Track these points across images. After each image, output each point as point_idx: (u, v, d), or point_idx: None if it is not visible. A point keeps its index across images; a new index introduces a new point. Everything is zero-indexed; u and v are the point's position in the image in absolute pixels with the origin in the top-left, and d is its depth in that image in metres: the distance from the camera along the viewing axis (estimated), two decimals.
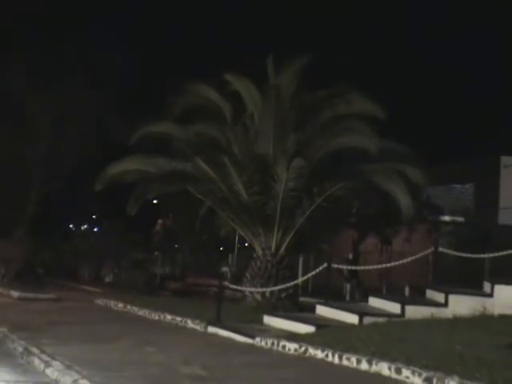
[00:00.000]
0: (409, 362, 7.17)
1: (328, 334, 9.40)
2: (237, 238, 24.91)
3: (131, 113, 20.44)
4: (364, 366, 7.61)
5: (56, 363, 7.74)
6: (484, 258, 13.53)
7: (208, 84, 15.55)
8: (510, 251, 11.24)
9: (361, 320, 10.50)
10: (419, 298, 12.28)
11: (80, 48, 24.75)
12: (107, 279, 27.24)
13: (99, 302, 16.77)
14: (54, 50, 24.55)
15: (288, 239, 14.96)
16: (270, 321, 11.53)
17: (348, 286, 18.21)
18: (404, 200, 13.71)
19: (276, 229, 14.81)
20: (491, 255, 12.27)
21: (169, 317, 12.92)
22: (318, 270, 13.14)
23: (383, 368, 7.33)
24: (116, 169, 15.54)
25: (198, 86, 15.53)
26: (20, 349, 9.11)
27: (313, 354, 8.52)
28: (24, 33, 25.28)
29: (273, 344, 9.36)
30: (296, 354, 8.79)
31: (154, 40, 34.11)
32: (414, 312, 10.60)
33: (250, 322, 11.49)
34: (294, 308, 14.00)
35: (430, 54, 39.84)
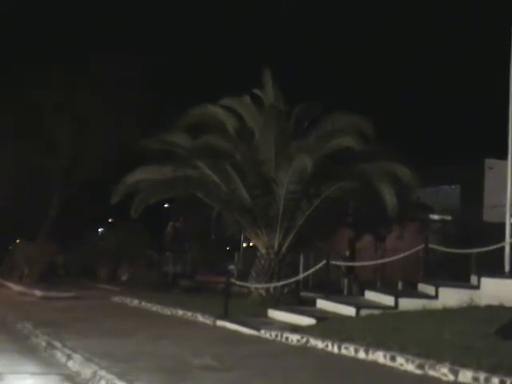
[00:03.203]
0: (403, 351, 7.15)
1: (327, 326, 9.39)
2: (242, 237, 24.91)
3: (146, 125, 20.49)
4: (361, 354, 7.60)
5: (77, 356, 7.76)
6: (471, 254, 13.50)
7: (213, 102, 15.66)
8: (494, 246, 11.23)
9: (358, 312, 10.49)
10: (411, 291, 12.26)
11: (100, 63, 24.68)
12: (123, 278, 27.23)
13: (116, 299, 16.78)
14: (75, 63, 24.53)
15: (289, 239, 14.95)
16: (274, 314, 11.53)
17: (345, 281, 18.18)
18: (390, 199, 13.69)
19: (278, 229, 14.81)
20: (477, 250, 12.25)
21: (180, 312, 12.92)
22: (317, 267, 13.13)
23: (379, 356, 7.32)
24: (130, 179, 15.60)
25: (205, 106, 15.66)
26: (43, 343, 9.13)
27: (314, 344, 8.51)
28: (47, 46, 25.06)
29: (277, 336, 9.35)
30: (298, 344, 8.79)
31: (167, 55, 33.45)
32: (407, 304, 10.57)
33: (255, 316, 11.48)
34: (296, 302, 13.97)
35: (417, 54, 38.30)
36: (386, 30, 35.71)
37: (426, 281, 11.72)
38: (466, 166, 22.81)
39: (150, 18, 37.72)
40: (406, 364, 6.89)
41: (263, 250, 15.12)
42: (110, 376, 6.56)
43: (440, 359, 6.59)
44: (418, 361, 6.75)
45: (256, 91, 15.46)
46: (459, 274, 12.55)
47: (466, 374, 6.16)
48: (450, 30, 34.84)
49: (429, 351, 6.93)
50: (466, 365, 6.30)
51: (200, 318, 12.04)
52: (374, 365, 7.25)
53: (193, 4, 39.67)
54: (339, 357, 7.84)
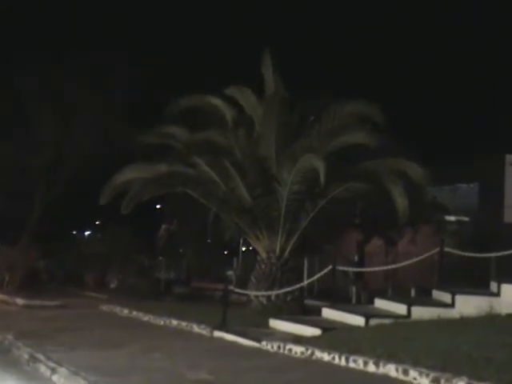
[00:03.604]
0: (416, 363, 7.16)
1: (334, 337, 9.39)
2: (241, 241, 24.91)
3: (137, 120, 20.49)
4: (371, 367, 7.60)
5: (62, 370, 7.76)
6: (490, 258, 13.49)
7: (211, 93, 15.63)
8: None
9: (367, 322, 10.49)
10: (425, 299, 12.26)
11: (85, 57, 24.77)
12: (112, 285, 27.19)
13: (104, 308, 16.77)
14: (59, 59, 24.61)
15: (292, 242, 14.95)
16: (276, 324, 11.53)
17: (353, 288, 18.19)
18: (401, 202, 13.64)
19: (280, 232, 14.81)
20: (497, 254, 12.24)
21: (174, 322, 12.93)
22: (323, 273, 13.14)
23: (390, 369, 7.32)
24: (120, 178, 15.59)
25: (202, 96, 15.63)
26: (26, 356, 9.12)
27: (319, 356, 8.51)
28: (29, 42, 25.24)
29: (279, 347, 9.35)
30: (302, 357, 8.78)
31: (158, 49, 33.98)
32: (421, 313, 10.58)
33: (255, 326, 11.49)
34: (300, 311, 13.98)
35: (433, 48, 39.39)
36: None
37: (442, 287, 11.72)
38: (485, 162, 22.78)
39: (150, 17, 38.54)
40: (419, 378, 6.89)
41: (264, 255, 15.12)
42: None
43: (457, 372, 6.59)
44: (432, 374, 6.74)
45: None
46: (477, 280, 12.54)
47: None
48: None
49: (445, 364, 6.93)
50: (484, 379, 6.29)
51: (196, 328, 12.04)
52: (385, 379, 7.25)
53: (193, 4, 40.45)
54: (347, 370, 7.84)
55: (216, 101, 15.57)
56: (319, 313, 12.05)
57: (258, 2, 39.79)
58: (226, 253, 32.17)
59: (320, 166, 13.14)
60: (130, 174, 15.73)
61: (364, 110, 14.29)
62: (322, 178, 13.06)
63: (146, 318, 14.18)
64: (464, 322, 9.62)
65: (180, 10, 41.83)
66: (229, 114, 15.53)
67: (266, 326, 11.58)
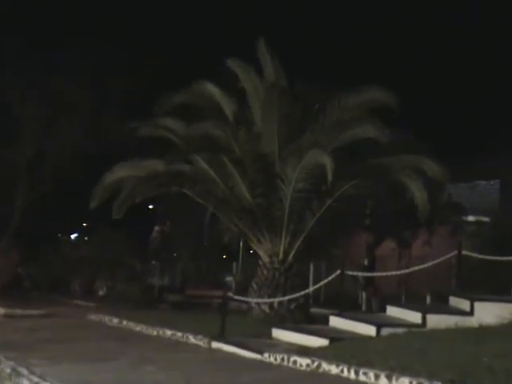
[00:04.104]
0: (432, 377, 7.15)
1: (343, 348, 9.40)
2: (241, 244, 24.91)
3: (128, 113, 20.52)
4: (383, 381, 7.60)
5: None
6: None
7: (207, 79, 15.60)
8: None
9: (378, 331, 10.50)
10: (442, 306, 12.26)
11: (73, 45, 24.90)
12: (101, 292, 27.23)
13: (92, 317, 16.79)
14: (45, 47, 24.75)
15: (297, 244, 14.96)
16: (279, 334, 11.54)
17: (364, 295, 18.18)
18: (420, 195, 13.67)
19: (283, 233, 14.81)
20: None
21: (168, 332, 12.93)
22: (330, 278, 13.14)
23: (404, 383, 7.32)
24: (110, 177, 15.57)
25: (197, 82, 15.58)
26: (8, 370, 9.13)
27: (326, 369, 8.52)
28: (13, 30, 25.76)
29: (283, 359, 9.36)
30: (308, 369, 8.79)
31: (150, 38, 34.79)
32: (437, 321, 10.58)
33: (257, 336, 11.51)
34: (305, 319, 13.99)
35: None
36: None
37: (459, 294, 11.72)
38: (506, 158, 22.77)
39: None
40: None
41: (266, 259, 15.13)
42: None
43: None
44: None
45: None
46: (498, 286, 12.54)
47: None
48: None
49: (463, 377, 6.93)
50: None
51: (192, 339, 12.05)
52: None
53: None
54: None
55: (213, 89, 15.52)
56: (326, 322, 12.06)
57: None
58: (224, 257, 32.19)
59: (327, 161, 13.11)
60: (121, 172, 15.71)
61: (376, 96, 14.22)
62: (330, 175, 13.04)
63: (138, 327, 14.18)
64: (484, 331, 9.62)
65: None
66: (227, 105, 15.49)
67: (269, 336, 11.59)
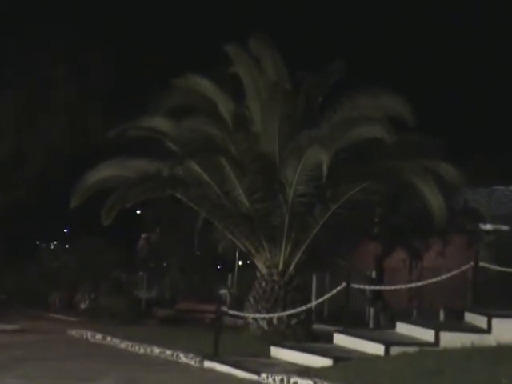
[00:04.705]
0: None
1: (348, 368, 9.40)
2: (237, 254, 24.92)
3: (114, 111, 20.58)
4: None
5: None
6: None
7: (201, 73, 15.63)
8: None
9: (387, 350, 10.50)
10: (456, 323, 12.28)
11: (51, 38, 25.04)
12: (82, 306, 27.17)
13: (73, 333, 16.77)
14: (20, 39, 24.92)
15: (298, 254, 14.98)
16: (279, 353, 11.54)
17: (371, 310, 18.21)
18: (435, 201, 13.69)
19: (284, 242, 14.84)
20: None
21: (157, 350, 12.93)
22: (335, 292, 13.14)
23: None
24: (94, 177, 15.55)
25: (189, 77, 15.60)
26: None
27: None
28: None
29: (282, 381, 9.36)
30: None
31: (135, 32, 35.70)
32: (451, 340, 10.59)
33: (254, 355, 11.52)
34: (307, 337, 14.02)
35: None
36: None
37: (476, 310, 11.73)
38: None
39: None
40: None
41: (264, 270, 15.15)
42: None
43: None
44: None
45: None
46: None
47: None
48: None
49: None
50: None
51: (183, 357, 12.05)
52: None
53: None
54: None
55: (206, 83, 15.53)
56: (330, 339, 12.07)
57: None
58: (218, 268, 32.20)
59: (324, 156, 13.17)
60: (107, 170, 15.67)
61: (388, 104, 14.31)
62: (325, 169, 13.11)
63: (123, 345, 14.17)
64: (502, 350, 9.62)
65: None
66: (222, 102, 15.50)
67: (267, 355, 11.59)
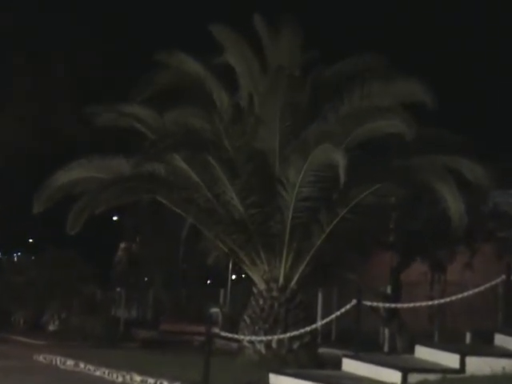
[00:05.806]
0: None
1: None
2: (230, 266, 24.98)
3: (85, 102, 20.62)
4: None
5: None
6: None
7: (188, 54, 15.68)
8: None
9: (405, 378, 10.51)
10: (485, 347, 12.29)
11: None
12: (51, 327, 27.22)
13: (41, 358, 16.79)
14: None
15: (301, 267, 15.00)
16: (279, 381, 11.55)
17: (386, 332, 18.24)
18: (454, 203, 13.70)
19: (284, 253, 14.84)
20: None
21: (138, 378, 12.93)
22: (344, 310, 13.15)
23: None
24: (63, 178, 15.53)
25: (175, 53, 15.64)
26: None
27: None
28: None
29: None
30: None
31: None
32: (479, 365, 10.60)
33: (250, 383, 11.49)
34: (312, 362, 14.05)
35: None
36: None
37: (507, 331, 11.76)
38: None
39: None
40: None
41: (262, 285, 15.16)
42: None
43: None
44: None
45: None
46: None
47: None
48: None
49: None
50: None
51: None
52: None
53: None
54: None
55: (197, 67, 15.56)
56: (339, 365, 12.06)
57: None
58: (208, 283, 32.28)
59: (340, 158, 13.02)
60: (78, 171, 15.65)
61: (405, 89, 14.35)
62: (342, 176, 12.93)
63: (99, 372, 14.18)
64: None
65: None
66: (214, 86, 15.50)
67: (265, 383, 11.60)
